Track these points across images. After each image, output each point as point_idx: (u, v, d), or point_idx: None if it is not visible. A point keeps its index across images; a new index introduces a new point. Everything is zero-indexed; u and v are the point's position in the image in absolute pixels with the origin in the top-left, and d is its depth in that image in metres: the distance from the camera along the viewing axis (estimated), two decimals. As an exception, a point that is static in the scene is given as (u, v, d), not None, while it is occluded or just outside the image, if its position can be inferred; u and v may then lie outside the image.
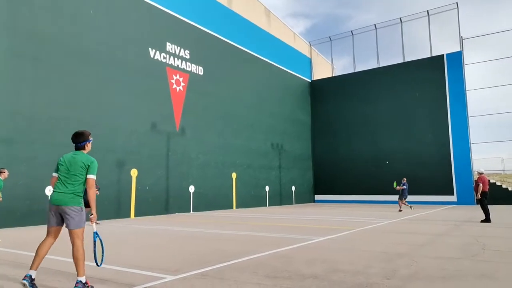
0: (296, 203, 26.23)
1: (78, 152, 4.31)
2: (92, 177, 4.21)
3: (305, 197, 27.63)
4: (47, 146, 12.55)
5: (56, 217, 4.16)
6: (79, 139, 4.32)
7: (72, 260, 4.22)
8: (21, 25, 12.35)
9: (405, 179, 18.34)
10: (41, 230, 10.56)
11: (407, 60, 26.78)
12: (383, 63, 27.87)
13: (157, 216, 15.75)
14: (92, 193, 4.19)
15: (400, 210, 17.30)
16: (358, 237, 8.54)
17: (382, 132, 26.39)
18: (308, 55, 31.12)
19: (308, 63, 30.89)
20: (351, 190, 27.05)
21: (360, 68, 29.05)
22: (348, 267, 5.27)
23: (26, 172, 11.92)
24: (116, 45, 15.34)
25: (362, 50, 29.74)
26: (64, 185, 4.14)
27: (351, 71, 29.26)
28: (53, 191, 4.17)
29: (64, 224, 4.19)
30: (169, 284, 4.42)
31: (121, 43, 15.53)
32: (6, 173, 8.87)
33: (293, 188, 26.17)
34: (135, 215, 15.16)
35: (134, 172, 15.34)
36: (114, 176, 14.57)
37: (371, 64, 29.07)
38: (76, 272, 4.10)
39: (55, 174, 4.25)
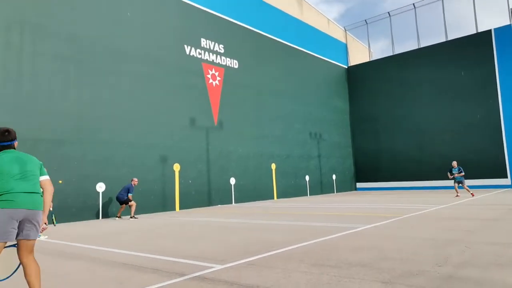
0: (337, 191, 25.91)
1: (15, 150, 3.56)
2: (48, 177, 3.66)
3: (346, 185, 27.21)
4: (95, 144, 13.24)
5: (15, 227, 3.27)
6: (8, 137, 3.56)
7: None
8: (64, 29, 13.03)
9: (455, 162, 17.03)
10: (95, 224, 11.21)
11: (450, 38, 25.37)
12: (424, 44, 26.62)
13: (200, 208, 16.18)
14: (50, 197, 3.65)
15: (472, 194, 16.31)
16: (405, 224, 8.30)
17: (426, 115, 25.29)
18: (343, 40, 30.34)
19: (344, 49, 30.13)
20: (395, 177, 26.27)
21: (399, 50, 27.94)
22: (396, 255, 5.15)
23: (77, 170, 12.66)
24: (154, 44, 15.79)
25: (401, 32, 28.69)
26: (27, 183, 3.39)
27: (390, 54, 28.22)
28: (14, 192, 3.28)
29: (22, 235, 3.35)
30: (217, 273, 4.55)
31: (158, 42, 15.97)
32: None
33: (334, 176, 25.84)
34: (180, 208, 15.67)
35: (177, 167, 15.83)
36: (158, 171, 15.12)
37: (411, 45, 27.85)
38: None
39: None
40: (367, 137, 27.92)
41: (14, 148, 3.60)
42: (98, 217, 13.07)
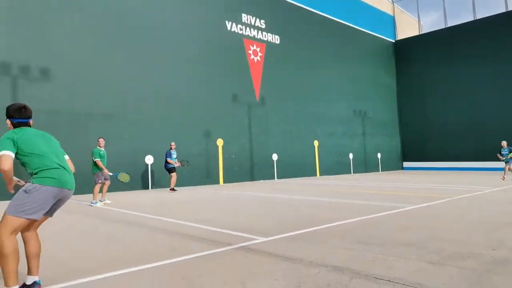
0: (382, 170, 25.26)
1: (32, 128, 3.22)
2: (68, 158, 3.40)
3: (392, 164, 26.41)
4: (142, 119, 13.80)
5: (50, 206, 3.04)
6: (25, 114, 3.22)
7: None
8: (110, 7, 13.43)
9: (504, 142, 15.94)
10: (145, 194, 11.80)
11: (510, 9, 23.17)
12: (480, 15, 24.57)
13: (243, 182, 16.50)
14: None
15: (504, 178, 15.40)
16: (456, 205, 7.96)
17: (479, 92, 23.61)
18: (391, 13, 28.74)
19: (391, 22, 28.58)
20: (445, 157, 25.05)
21: (452, 23, 26.04)
22: (447, 236, 4.98)
23: (127, 143, 13.30)
24: (196, 20, 15.93)
25: (455, 3, 26.44)
26: (60, 160, 3.13)
27: (442, 27, 26.38)
28: (55, 168, 3.00)
29: (48, 213, 3.14)
30: (262, 245, 4.65)
31: (199, 19, 16.09)
32: (102, 142, 9.67)
33: (379, 155, 25.16)
34: (224, 182, 16.07)
35: (220, 142, 16.14)
36: (202, 146, 15.55)
37: (466, 18, 25.77)
38: (30, 271, 3.10)
39: (9, 153, 2.88)
40: (416, 114, 26.68)
41: (30, 127, 3.24)
42: (147, 188, 13.74)
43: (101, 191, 9.50)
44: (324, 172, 21.04)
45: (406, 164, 27.27)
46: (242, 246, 4.60)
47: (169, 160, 12.65)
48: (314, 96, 20.87)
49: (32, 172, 2.95)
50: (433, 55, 25.91)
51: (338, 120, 22.35)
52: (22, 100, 11.19)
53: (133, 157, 13.43)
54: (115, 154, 12.57)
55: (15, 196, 2.86)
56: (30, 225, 3.05)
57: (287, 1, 20.18)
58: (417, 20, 29.75)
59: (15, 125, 3.14)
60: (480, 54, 23.74)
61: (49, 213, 3.12)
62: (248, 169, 17.29)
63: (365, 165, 24.07)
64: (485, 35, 23.66)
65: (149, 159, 13.79)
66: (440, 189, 11.57)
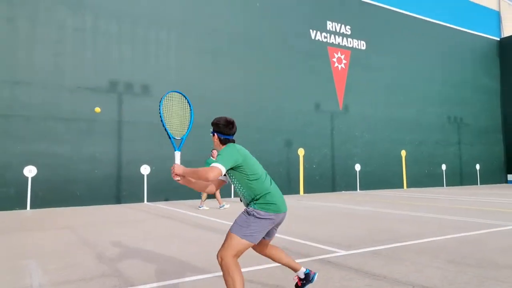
0: (481, 183, 22.70)
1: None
2: None
3: (493, 177, 23.58)
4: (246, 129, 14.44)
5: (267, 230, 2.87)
6: (232, 131, 3.00)
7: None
8: (203, 24, 14.40)
9: None
10: (234, 202, 12.31)
11: None
12: None
13: (324, 193, 16.20)
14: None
15: None
16: None
17: None
18: (495, 8, 25.89)
19: (495, 18, 25.73)
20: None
21: None
22: (561, 262, 4.30)
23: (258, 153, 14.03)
24: (280, 31, 16.23)
25: None
26: (271, 181, 2.94)
27: (560, 18, 22.95)
28: (273, 193, 2.84)
29: (267, 236, 2.99)
30: (342, 259, 4.53)
31: (284, 29, 16.35)
32: (215, 153, 10.51)
33: (478, 166, 22.68)
34: (304, 192, 15.98)
35: (301, 151, 16.12)
36: (283, 155, 15.68)
37: None
38: (295, 269, 3.19)
39: (223, 169, 2.70)
40: (524, 121, 23.48)
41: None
42: (230, 197, 14.32)
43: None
44: (412, 184, 19.65)
45: (511, 177, 24.09)
46: (321, 259, 4.54)
47: None
48: (403, 102, 19.71)
49: (255, 197, 2.79)
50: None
51: (430, 128, 20.74)
52: (126, 112, 12.63)
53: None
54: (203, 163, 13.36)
55: (240, 217, 2.79)
56: (261, 248, 3.04)
57: (374, 4, 19.45)
58: (525, 14, 26.36)
59: (222, 142, 2.95)
60: None
61: (268, 236, 2.97)
62: (329, 179, 16.95)
63: (461, 178, 21.87)
64: None
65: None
66: (556, 207, 9.99)
